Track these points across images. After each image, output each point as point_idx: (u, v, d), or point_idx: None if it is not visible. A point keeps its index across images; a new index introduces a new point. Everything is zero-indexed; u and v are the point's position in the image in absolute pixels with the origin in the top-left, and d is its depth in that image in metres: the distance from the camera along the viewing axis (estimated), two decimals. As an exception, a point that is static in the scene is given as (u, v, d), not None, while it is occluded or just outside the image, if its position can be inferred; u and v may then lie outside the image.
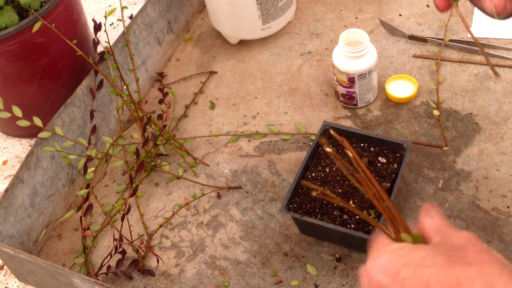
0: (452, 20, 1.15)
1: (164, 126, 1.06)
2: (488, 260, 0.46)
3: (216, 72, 1.18)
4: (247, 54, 1.20)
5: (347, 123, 1.05)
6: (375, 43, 1.15)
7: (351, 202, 0.88)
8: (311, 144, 0.97)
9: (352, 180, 0.50)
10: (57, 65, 1.05)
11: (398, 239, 0.52)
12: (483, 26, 1.14)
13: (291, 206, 0.89)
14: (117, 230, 0.94)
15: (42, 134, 0.95)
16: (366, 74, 1.01)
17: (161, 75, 1.18)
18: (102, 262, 0.92)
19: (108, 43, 1.02)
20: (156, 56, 1.18)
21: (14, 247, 0.87)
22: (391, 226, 0.52)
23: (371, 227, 0.85)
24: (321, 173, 0.92)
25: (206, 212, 0.98)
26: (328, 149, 0.48)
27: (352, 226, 0.86)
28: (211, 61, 1.20)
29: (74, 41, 1.00)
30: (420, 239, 0.52)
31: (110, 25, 1.31)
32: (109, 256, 0.92)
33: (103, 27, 1.20)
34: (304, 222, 0.88)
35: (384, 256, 0.49)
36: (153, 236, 0.96)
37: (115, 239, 0.92)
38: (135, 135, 1.09)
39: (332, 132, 0.50)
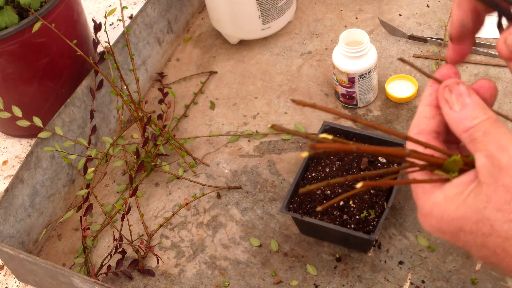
0: (452, 20, 1.15)
1: (164, 126, 1.06)
2: None
3: (216, 72, 1.18)
4: (247, 54, 1.20)
5: (347, 123, 1.04)
6: (375, 43, 1.15)
7: (351, 202, 0.88)
8: (311, 144, 0.97)
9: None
10: (57, 65, 1.05)
11: (439, 180, 0.48)
12: (483, 26, 1.14)
13: (291, 206, 0.89)
14: (117, 230, 0.94)
15: (42, 134, 0.95)
16: (366, 74, 1.01)
17: (161, 75, 1.17)
18: (102, 262, 0.92)
19: (108, 43, 1.02)
20: (156, 56, 1.18)
21: (14, 247, 0.87)
22: (422, 165, 0.48)
23: (370, 227, 0.85)
24: (321, 173, 0.92)
25: (206, 212, 0.98)
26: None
27: (352, 226, 0.86)
28: (211, 61, 1.20)
29: (74, 41, 1.00)
30: (460, 163, 0.48)
31: (110, 25, 1.31)
32: (109, 256, 0.92)
33: (103, 27, 1.20)
34: (304, 222, 0.88)
35: (432, 215, 0.47)
36: (153, 236, 0.96)
37: (115, 239, 0.92)
38: (135, 135, 1.09)
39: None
